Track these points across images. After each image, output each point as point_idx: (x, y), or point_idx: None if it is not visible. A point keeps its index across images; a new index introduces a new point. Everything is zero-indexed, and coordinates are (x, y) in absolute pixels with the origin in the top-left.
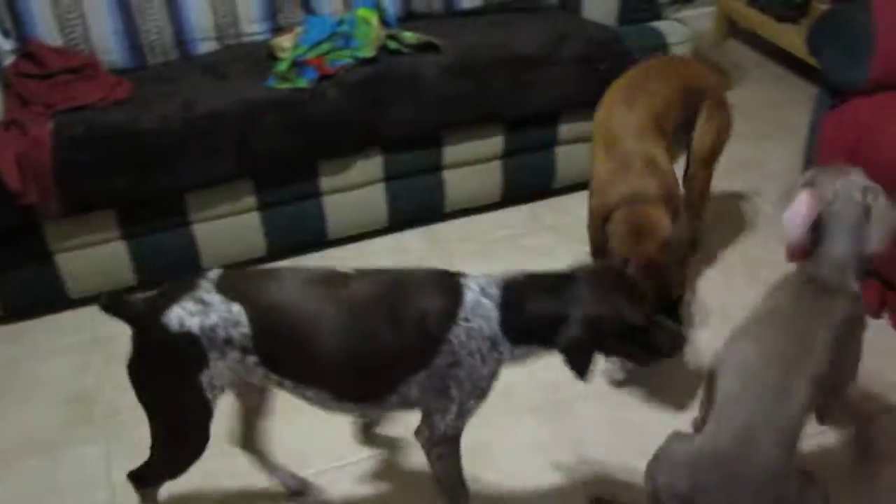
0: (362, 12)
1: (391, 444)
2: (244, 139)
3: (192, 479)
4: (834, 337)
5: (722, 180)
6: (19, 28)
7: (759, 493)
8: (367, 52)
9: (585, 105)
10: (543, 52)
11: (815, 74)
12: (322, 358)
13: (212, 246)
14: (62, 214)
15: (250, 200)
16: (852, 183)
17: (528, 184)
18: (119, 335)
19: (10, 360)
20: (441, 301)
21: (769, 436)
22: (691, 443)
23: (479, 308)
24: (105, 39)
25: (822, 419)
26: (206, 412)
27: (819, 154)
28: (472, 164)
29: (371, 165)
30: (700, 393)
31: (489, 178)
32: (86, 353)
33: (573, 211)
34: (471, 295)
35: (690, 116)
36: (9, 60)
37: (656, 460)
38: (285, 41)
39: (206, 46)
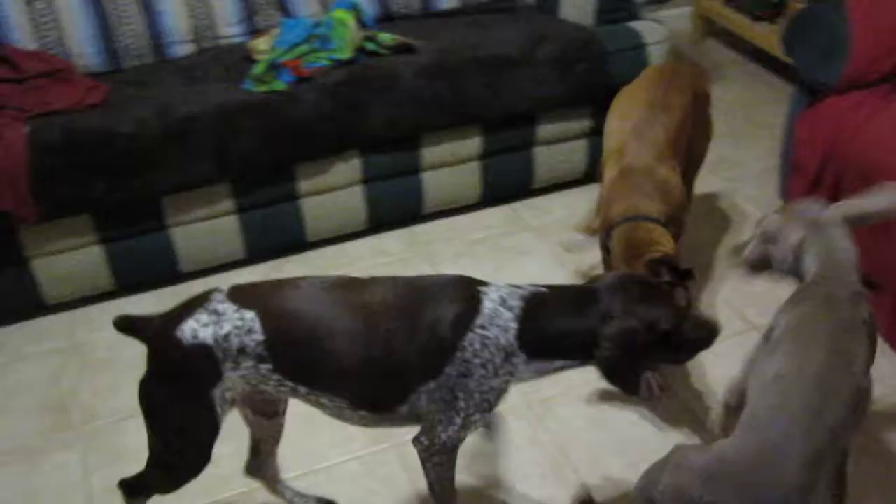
0: (339, 14)
1: (372, 446)
2: (221, 142)
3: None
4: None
5: (700, 179)
6: None
7: None
8: (344, 54)
9: (563, 105)
10: (521, 53)
11: (792, 73)
12: (336, 363)
13: (190, 250)
14: (38, 220)
15: (228, 204)
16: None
17: (506, 184)
18: (96, 341)
19: None
20: (458, 308)
21: (799, 453)
22: (709, 451)
23: (497, 318)
24: (80, 43)
25: None
26: (213, 431)
27: (795, 152)
28: (450, 165)
29: (349, 167)
30: (682, 393)
31: (468, 178)
32: (63, 359)
33: (552, 211)
34: (489, 304)
35: (694, 121)
36: None
37: (660, 466)
38: (262, 43)
39: (182, 49)
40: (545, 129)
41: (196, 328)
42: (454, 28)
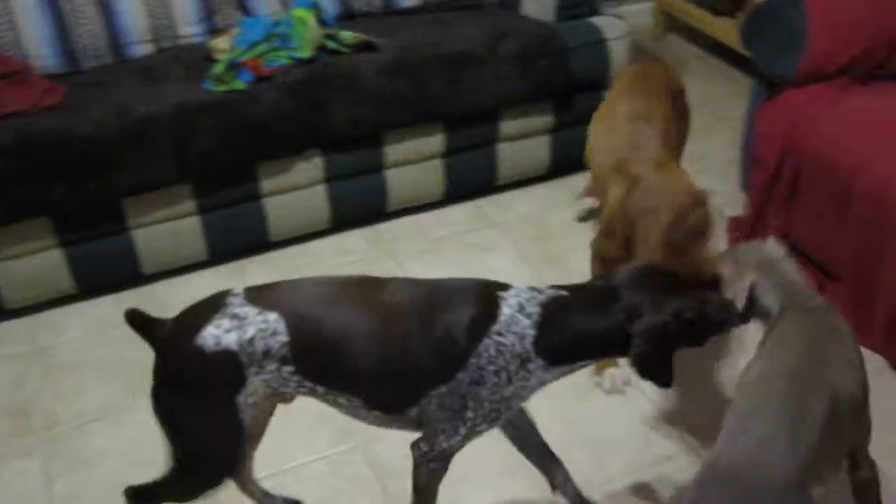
0: (299, 13)
1: (339, 445)
2: (181, 143)
3: None
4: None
5: None
6: None
7: None
8: (305, 53)
9: (525, 101)
10: (482, 50)
11: (752, 67)
12: (354, 363)
13: (151, 252)
14: None
15: (189, 205)
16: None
17: (470, 181)
18: (59, 345)
19: None
20: (475, 312)
21: (786, 449)
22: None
23: (514, 324)
24: (37, 44)
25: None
26: (239, 436)
27: (755, 146)
28: (413, 162)
29: (311, 166)
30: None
31: (431, 176)
32: (24, 364)
33: (516, 207)
34: (507, 310)
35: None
36: None
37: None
38: (222, 43)
39: (141, 49)
40: (508, 126)
41: (218, 335)
42: (416, 26)
